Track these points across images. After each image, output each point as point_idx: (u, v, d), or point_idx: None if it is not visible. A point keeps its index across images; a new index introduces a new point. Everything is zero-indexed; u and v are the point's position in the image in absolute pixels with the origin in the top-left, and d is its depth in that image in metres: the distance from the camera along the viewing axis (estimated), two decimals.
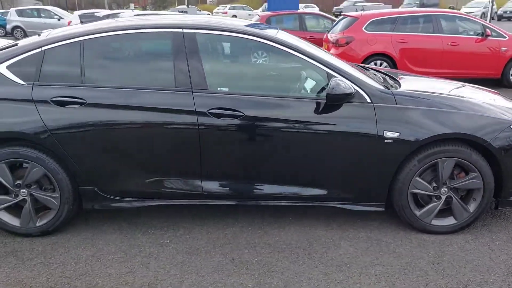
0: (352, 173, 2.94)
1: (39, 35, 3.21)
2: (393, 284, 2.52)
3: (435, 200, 2.99)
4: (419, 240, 2.97)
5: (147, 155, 2.92)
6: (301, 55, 2.93)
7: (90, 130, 2.85)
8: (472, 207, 2.99)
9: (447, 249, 2.86)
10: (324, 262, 2.73)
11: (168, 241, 2.99)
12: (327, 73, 2.90)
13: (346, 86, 2.76)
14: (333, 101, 2.78)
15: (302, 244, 2.93)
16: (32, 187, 2.96)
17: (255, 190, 2.99)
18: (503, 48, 8.21)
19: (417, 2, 35.83)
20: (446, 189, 2.96)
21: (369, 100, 2.86)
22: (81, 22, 3.52)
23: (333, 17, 12.04)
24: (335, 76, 2.84)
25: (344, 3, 41.21)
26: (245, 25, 3.15)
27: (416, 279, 2.56)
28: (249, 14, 33.44)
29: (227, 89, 2.97)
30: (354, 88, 2.82)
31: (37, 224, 3.02)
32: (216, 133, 2.84)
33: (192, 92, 2.85)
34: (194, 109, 2.81)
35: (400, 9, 15.66)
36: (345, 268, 2.67)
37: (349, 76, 2.88)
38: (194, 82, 2.85)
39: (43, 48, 2.92)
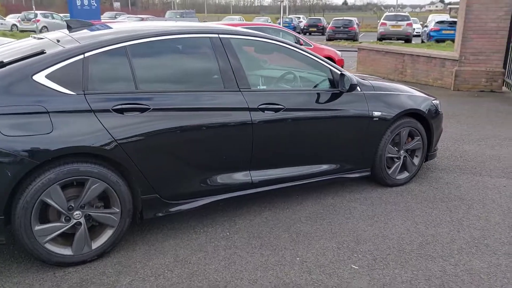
0: (354, 146, 3.75)
1: (58, 40, 2.85)
2: (415, 220, 3.44)
3: (397, 160, 4.07)
4: (396, 192, 3.98)
5: (206, 154, 3.04)
6: (314, 57, 3.56)
7: (156, 135, 2.79)
8: (416, 162, 4.20)
9: (415, 193, 3.96)
10: (359, 218, 3.45)
11: (228, 233, 3.17)
12: (330, 70, 3.61)
13: (353, 78, 3.54)
14: (351, 90, 3.51)
15: (328, 211, 3.57)
16: (86, 207, 2.68)
17: (291, 173, 3.46)
18: None
19: (178, 16, 38.60)
20: (403, 151, 4.07)
21: (359, 89, 3.71)
22: (69, 27, 3.22)
23: None
24: (340, 72, 3.57)
25: (105, 14, 40.79)
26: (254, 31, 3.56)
27: (425, 210, 3.55)
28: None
29: (265, 87, 3.33)
30: None
31: (93, 247, 2.74)
32: (265, 126, 3.20)
33: (241, 91, 3.13)
34: (247, 106, 3.10)
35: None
36: (377, 218, 3.45)
37: (345, 72, 3.66)
38: (239, 82, 3.13)
39: (86, 54, 2.69)
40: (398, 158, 4.07)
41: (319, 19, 32.65)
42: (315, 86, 3.70)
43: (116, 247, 2.89)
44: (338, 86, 3.56)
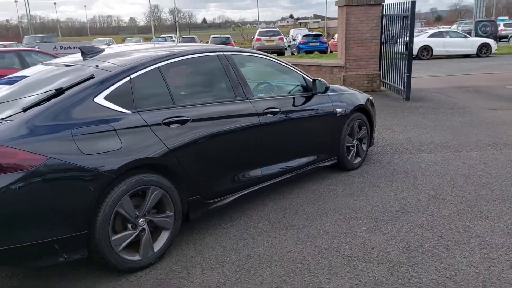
0: (326, 139, 4.50)
1: (97, 65, 3.04)
2: (384, 191, 4.32)
3: (352, 148, 4.95)
4: (356, 174, 4.84)
5: (232, 155, 3.49)
6: (291, 67, 4.24)
7: (197, 142, 3.17)
8: (364, 148, 5.14)
9: (370, 173, 4.87)
10: (343, 196, 4.20)
11: (252, 223, 3.64)
12: (303, 77, 4.33)
13: (326, 81, 4.31)
14: (325, 91, 4.26)
15: (317, 194, 4.25)
16: (147, 214, 2.96)
17: (287, 166, 4.06)
18: None
19: (38, 41, 36.10)
20: (355, 140, 4.97)
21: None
22: (83, 53, 3.40)
23: (52, 53, 11.67)
24: (312, 79, 4.30)
25: None
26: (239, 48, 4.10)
27: (386, 183, 4.44)
28: None
29: (263, 95, 3.90)
30: None
31: (155, 250, 3.01)
32: (269, 127, 3.76)
33: (248, 99, 3.66)
34: (256, 111, 3.65)
35: None
36: (357, 194, 4.23)
37: (317, 78, 4.39)
38: (246, 92, 3.67)
39: (131, 76, 2.98)
40: (353, 146, 4.95)
41: (193, 37, 33.50)
42: (289, 92, 4.36)
43: (167, 249, 3.17)
44: (312, 90, 4.29)
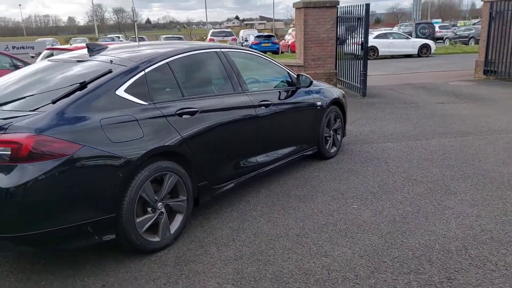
0: (309, 129, 4.88)
1: (111, 61, 3.21)
2: (363, 175, 4.76)
3: (329, 138, 5.37)
4: (334, 162, 5.26)
5: (235, 143, 3.77)
6: (277, 63, 4.57)
7: (205, 132, 3.42)
8: (339, 138, 5.58)
9: (347, 160, 5.32)
10: (327, 180, 4.59)
11: (251, 207, 3.94)
12: (288, 72, 4.69)
13: (309, 76, 4.69)
14: (310, 85, 4.63)
15: (303, 180, 4.62)
16: (164, 198, 3.18)
17: (278, 155, 4.38)
18: None
19: None
20: (332, 130, 5.40)
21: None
22: (89, 49, 3.54)
23: (6, 52, 11.23)
24: (296, 74, 4.67)
25: None
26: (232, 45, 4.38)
27: (363, 168, 4.89)
28: None
29: (256, 88, 4.20)
30: None
31: (172, 232, 3.24)
32: (263, 118, 4.07)
33: (245, 92, 3.96)
34: (252, 104, 3.95)
35: None
36: (339, 179, 4.64)
37: (302, 73, 4.76)
38: (242, 86, 3.96)
39: (146, 71, 3.19)
40: (330, 136, 5.37)
41: (142, 37, 33.02)
42: (276, 86, 4.70)
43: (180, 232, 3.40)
44: (296, 84, 4.65)
